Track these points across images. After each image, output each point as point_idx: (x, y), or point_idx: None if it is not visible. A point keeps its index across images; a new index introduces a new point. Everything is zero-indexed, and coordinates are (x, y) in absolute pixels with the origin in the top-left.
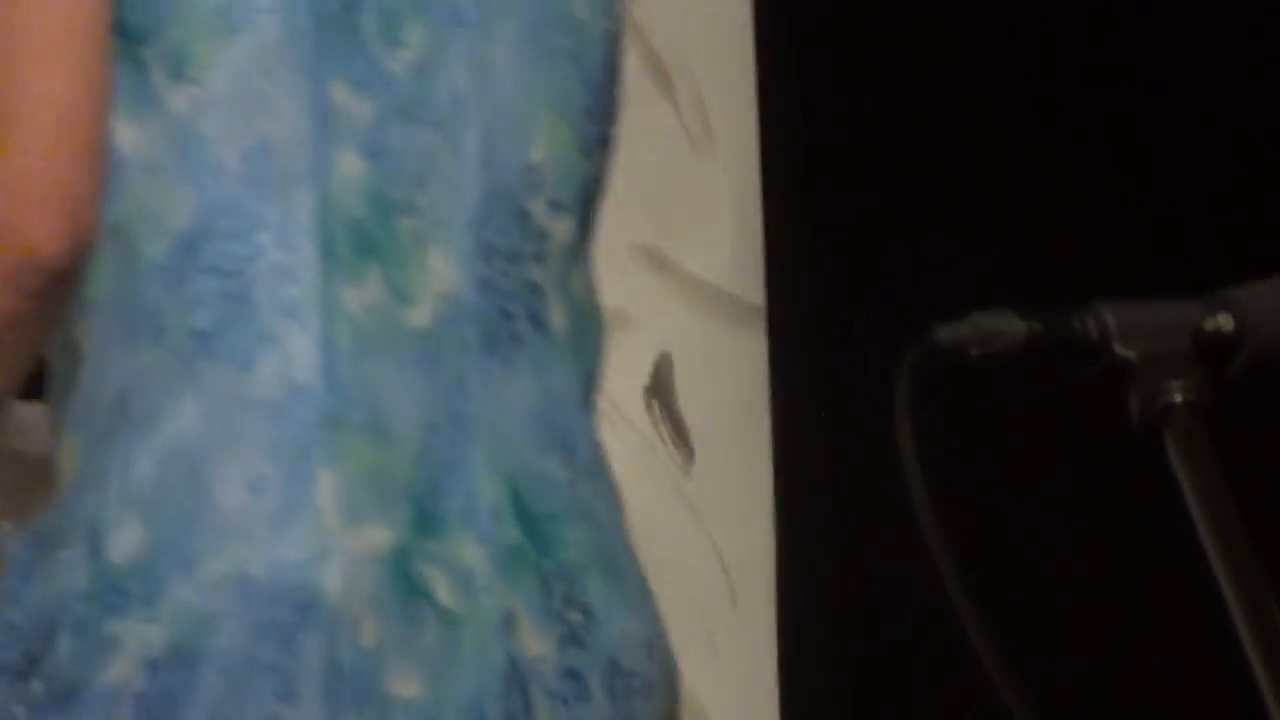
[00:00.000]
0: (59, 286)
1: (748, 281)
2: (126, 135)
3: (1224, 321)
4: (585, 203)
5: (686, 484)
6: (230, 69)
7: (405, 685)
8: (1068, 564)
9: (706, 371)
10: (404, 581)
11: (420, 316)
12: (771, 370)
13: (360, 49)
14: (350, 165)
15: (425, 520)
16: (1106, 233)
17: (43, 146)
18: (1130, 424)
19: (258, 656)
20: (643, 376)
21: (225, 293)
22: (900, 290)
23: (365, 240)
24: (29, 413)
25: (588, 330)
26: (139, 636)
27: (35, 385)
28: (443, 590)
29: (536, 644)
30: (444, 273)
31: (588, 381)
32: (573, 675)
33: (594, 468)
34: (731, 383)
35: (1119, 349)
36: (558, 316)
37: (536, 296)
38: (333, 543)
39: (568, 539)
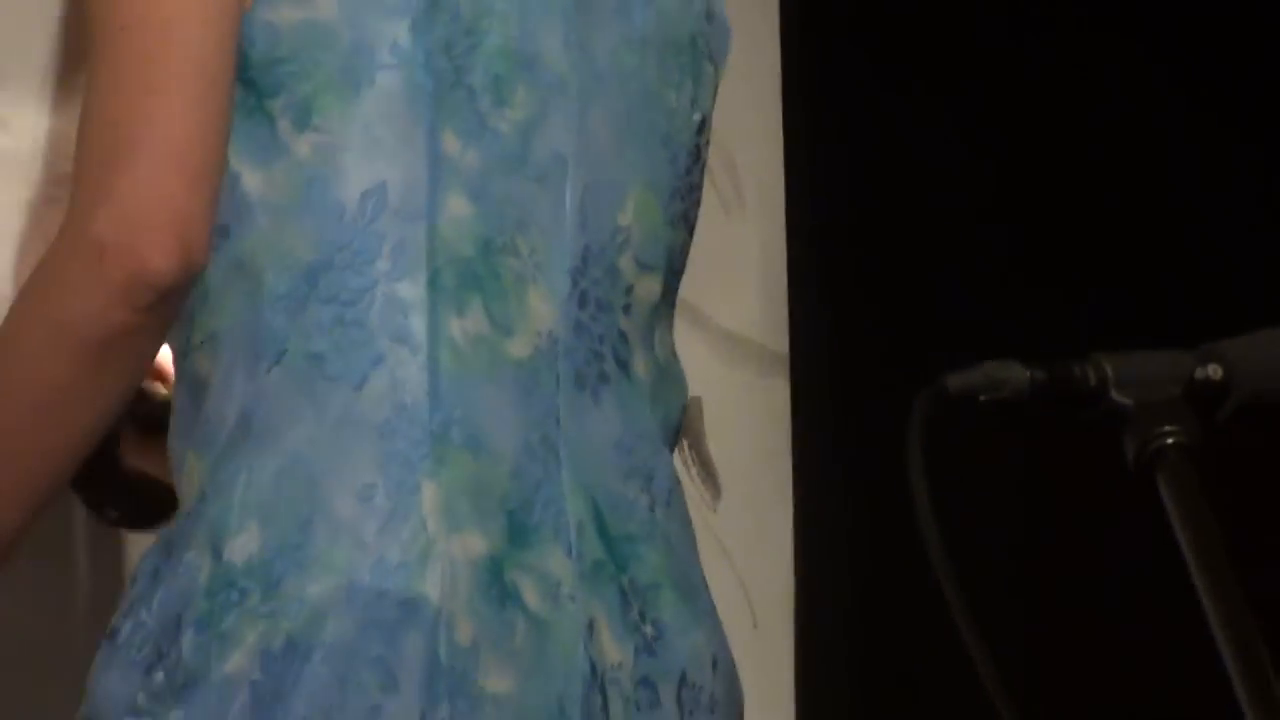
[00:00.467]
0: (168, 301)
1: (773, 332)
2: (254, 181)
3: (1214, 371)
4: (669, 268)
5: (714, 519)
6: (353, 118)
7: (497, 681)
8: (1069, 596)
9: (734, 415)
10: (497, 587)
11: (518, 348)
12: (794, 413)
13: (470, 105)
14: (458, 207)
15: (518, 531)
16: (1118, 284)
17: (157, 172)
18: (1126, 466)
19: (363, 650)
20: None
21: (341, 319)
22: (915, 341)
23: (470, 275)
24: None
25: (668, 387)
26: (256, 631)
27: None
28: (532, 597)
29: (615, 652)
30: (541, 311)
31: (667, 427)
32: (647, 683)
33: (670, 497)
34: (757, 425)
35: (1116, 396)
36: (641, 366)
37: (623, 344)
38: (434, 548)
39: (644, 558)
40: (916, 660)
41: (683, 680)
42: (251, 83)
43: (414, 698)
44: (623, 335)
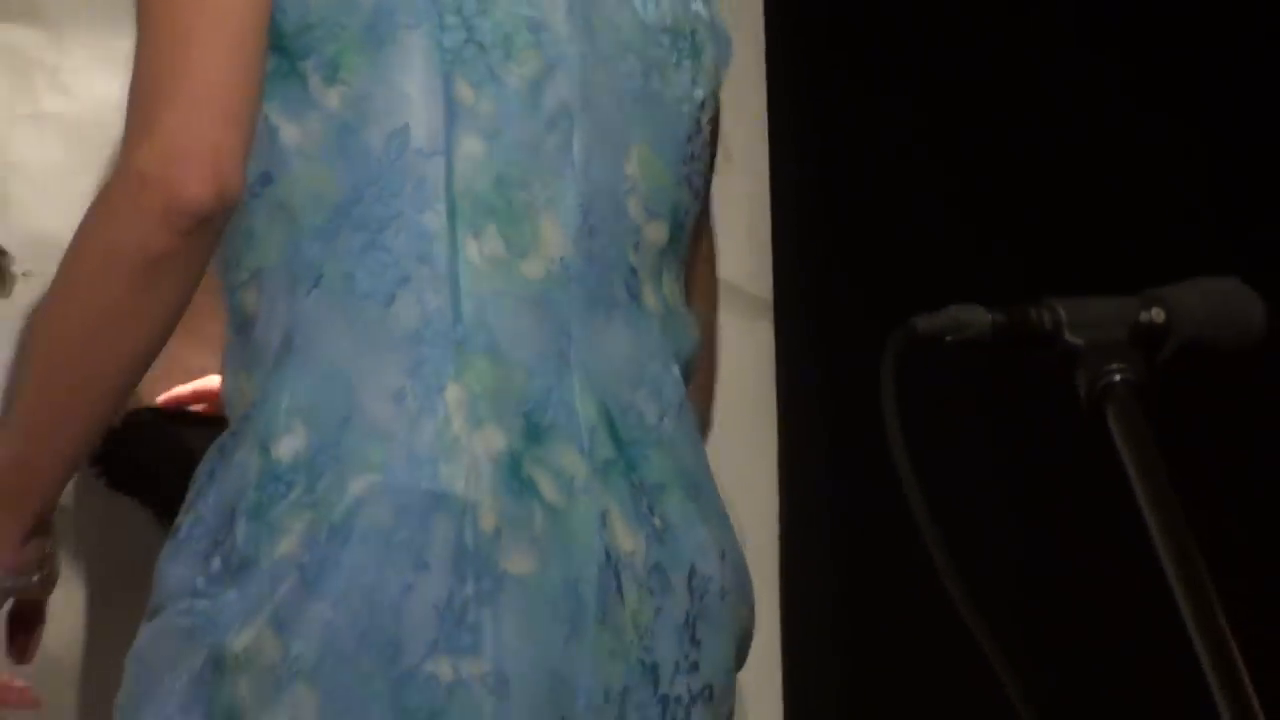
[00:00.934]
0: (206, 227)
1: (758, 280)
2: (291, 132)
3: (1156, 314)
4: (674, 221)
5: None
6: (377, 72)
7: (518, 563)
8: (1024, 529)
9: (721, 358)
10: (516, 479)
11: (532, 269)
12: (777, 354)
13: (482, 59)
14: (473, 146)
15: (533, 430)
16: (1080, 233)
17: (194, 111)
18: (1078, 401)
19: (397, 535)
20: None
21: (371, 244)
22: (888, 288)
23: (485, 205)
24: None
25: (678, 325)
26: (302, 520)
27: None
28: (548, 489)
29: (629, 540)
30: (554, 238)
31: (679, 358)
32: (659, 570)
33: (679, 410)
34: (743, 368)
35: (1069, 337)
36: (651, 299)
37: (633, 277)
38: (458, 444)
39: (652, 460)
40: (899, 590)
41: (692, 571)
42: (285, 50)
43: (443, 577)
44: (633, 269)
